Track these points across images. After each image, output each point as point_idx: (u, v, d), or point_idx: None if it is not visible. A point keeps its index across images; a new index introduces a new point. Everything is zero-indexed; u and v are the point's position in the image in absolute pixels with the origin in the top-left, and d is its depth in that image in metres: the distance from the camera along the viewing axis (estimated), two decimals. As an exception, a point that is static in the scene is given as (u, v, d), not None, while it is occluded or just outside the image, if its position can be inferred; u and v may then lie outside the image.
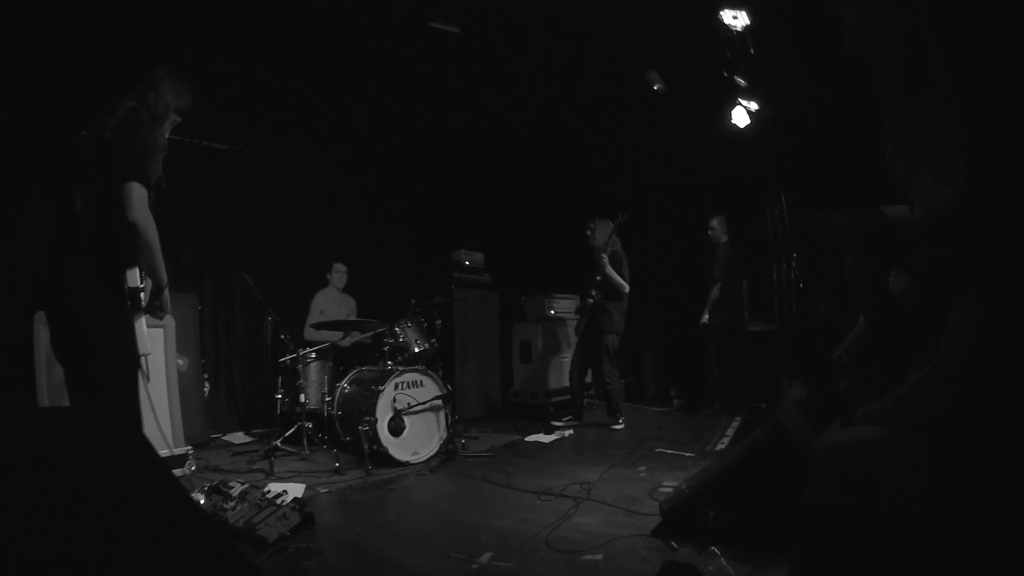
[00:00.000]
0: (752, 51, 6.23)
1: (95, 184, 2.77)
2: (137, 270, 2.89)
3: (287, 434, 5.83)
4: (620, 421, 6.84)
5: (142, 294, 2.92)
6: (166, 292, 3.00)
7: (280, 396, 6.10)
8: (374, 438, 5.11)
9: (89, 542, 1.23)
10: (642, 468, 4.88)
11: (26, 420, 1.54)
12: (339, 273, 7.63)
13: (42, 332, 4.67)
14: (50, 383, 4.63)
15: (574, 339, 7.61)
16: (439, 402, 5.60)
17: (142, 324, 2.93)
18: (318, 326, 6.61)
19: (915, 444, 1.27)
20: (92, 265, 2.73)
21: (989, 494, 1.06)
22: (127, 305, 2.83)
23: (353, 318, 7.43)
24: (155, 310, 3.00)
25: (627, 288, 6.95)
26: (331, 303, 7.48)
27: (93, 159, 2.79)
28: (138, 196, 2.71)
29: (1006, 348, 1.05)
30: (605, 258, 6.83)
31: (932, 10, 1.18)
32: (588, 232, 7.15)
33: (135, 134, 2.83)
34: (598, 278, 6.91)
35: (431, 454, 5.45)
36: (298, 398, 5.92)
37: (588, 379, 7.73)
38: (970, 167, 1.12)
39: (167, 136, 3.10)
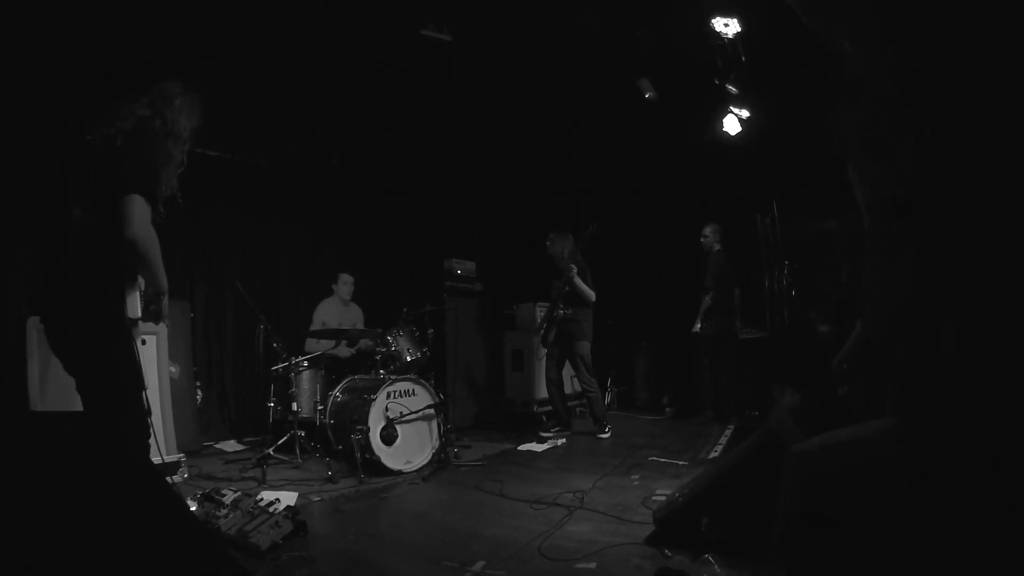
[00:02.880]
0: (743, 58, 6.25)
1: (101, 192, 2.63)
2: (137, 297, 2.82)
3: (279, 442, 5.80)
4: (606, 429, 6.84)
5: (139, 324, 2.86)
6: (165, 299, 2.92)
7: (272, 404, 6.08)
8: (366, 447, 5.10)
9: (85, 546, 1.23)
10: (635, 476, 4.88)
11: (22, 424, 1.53)
12: (346, 284, 7.55)
13: (35, 336, 4.65)
14: (42, 387, 4.60)
15: (542, 351, 7.60)
16: (431, 411, 5.59)
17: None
18: (314, 335, 6.59)
19: (888, 447, 1.27)
20: (91, 285, 2.63)
21: (972, 494, 1.07)
22: (127, 328, 2.74)
23: (360, 327, 7.42)
24: (154, 316, 2.93)
25: (594, 296, 7.02)
26: (333, 314, 7.42)
27: (101, 164, 2.66)
28: (139, 210, 2.56)
29: (975, 344, 1.06)
30: (575, 268, 6.86)
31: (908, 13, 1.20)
32: (548, 243, 7.20)
33: (149, 144, 2.73)
34: (566, 288, 6.94)
35: (423, 463, 5.43)
36: (290, 406, 5.89)
37: (572, 388, 7.71)
38: (924, 156, 1.15)
39: (185, 151, 3.01)
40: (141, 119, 2.79)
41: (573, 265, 6.87)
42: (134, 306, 2.76)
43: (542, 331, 7.36)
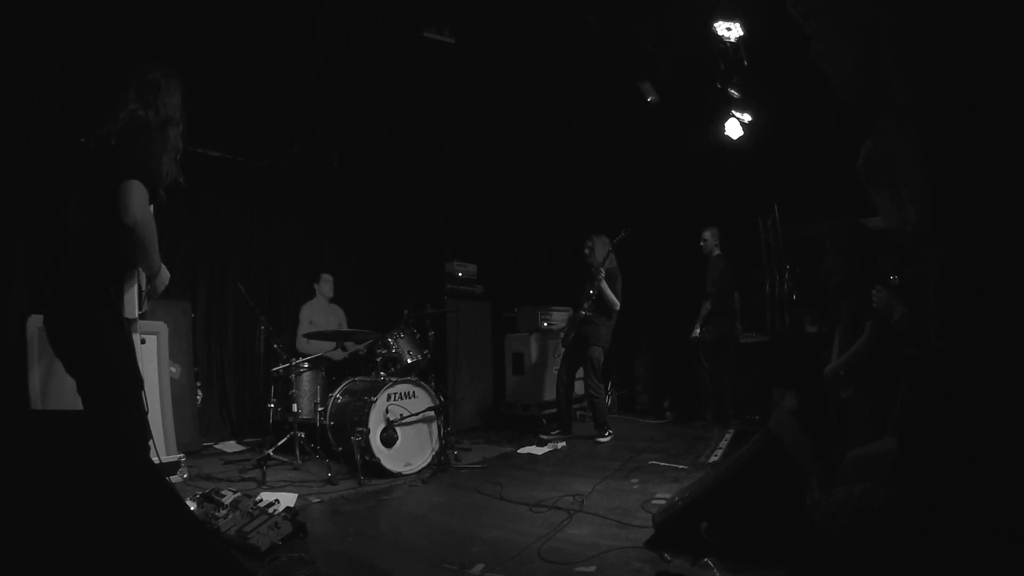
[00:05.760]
0: (745, 62, 6.25)
1: (94, 191, 2.63)
2: (135, 295, 2.79)
3: (279, 443, 5.79)
4: (607, 434, 6.83)
5: (137, 323, 2.84)
6: (157, 279, 2.86)
7: (273, 405, 6.07)
8: (366, 448, 5.10)
9: (86, 547, 1.23)
10: (635, 480, 4.87)
11: (22, 424, 1.53)
12: (327, 283, 7.58)
13: (36, 334, 4.64)
14: (43, 386, 4.61)
15: (561, 349, 7.60)
16: (431, 413, 5.58)
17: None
18: (310, 336, 6.57)
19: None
20: (89, 287, 2.61)
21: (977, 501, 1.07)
22: (127, 328, 2.74)
23: (344, 328, 7.41)
24: (149, 294, 2.89)
25: (618, 305, 6.98)
26: (320, 313, 7.43)
27: (96, 167, 2.65)
28: (137, 195, 2.52)
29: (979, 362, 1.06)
30: (603, 273, 6.85)
31: (893, 27, 1.19)
32: (586, 250, 7.14)
33: (144, 135, 2.69)
34: (592, 292, 6.92)
35: (423, 465, 5.42)
36: (291, 407, 5.87)
37: (580, 391, 7.71)
38: (933, 184, 1.13)
39: (180, 132, 2.97)
40: (132, 115, 2.76)
41: (602, 270, 6.87)
42: (132, 305, 2.75)
43: (564, 332, 7.38)
